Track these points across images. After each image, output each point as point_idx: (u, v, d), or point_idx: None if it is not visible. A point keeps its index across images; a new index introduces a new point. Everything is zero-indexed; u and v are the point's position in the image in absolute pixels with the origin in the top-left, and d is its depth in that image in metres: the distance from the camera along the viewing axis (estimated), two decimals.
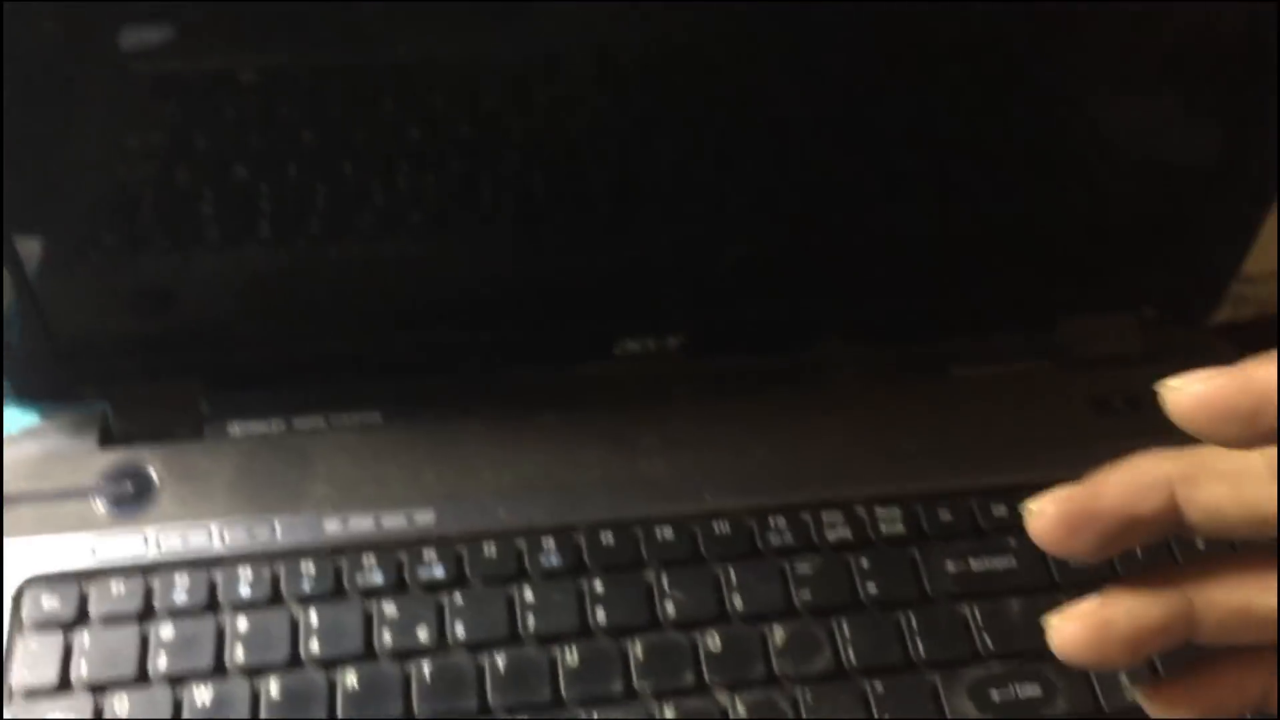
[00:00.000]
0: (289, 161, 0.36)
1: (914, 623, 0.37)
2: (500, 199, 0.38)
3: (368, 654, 0.35)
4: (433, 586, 0.37)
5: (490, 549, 0.37)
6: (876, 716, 0.35)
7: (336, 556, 0.37)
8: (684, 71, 0.37)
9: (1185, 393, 0.25)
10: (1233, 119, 0.40)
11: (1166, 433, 0.41)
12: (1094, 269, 0.43)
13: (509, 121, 0.36)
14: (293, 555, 0.37)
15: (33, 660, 0.35)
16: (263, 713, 0.34)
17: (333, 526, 0.38)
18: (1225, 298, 0.44)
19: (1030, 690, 0.36)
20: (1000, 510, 0.39)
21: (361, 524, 0.38)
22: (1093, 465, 0.41)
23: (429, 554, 0.37)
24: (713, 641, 0.36)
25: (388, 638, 0.35)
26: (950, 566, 0.38)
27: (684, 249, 0.40)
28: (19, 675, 0.34)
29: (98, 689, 0.34)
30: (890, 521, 0.39)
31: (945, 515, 0.39)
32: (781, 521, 0.38)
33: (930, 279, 0.42)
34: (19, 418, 0.40)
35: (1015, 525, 0.38)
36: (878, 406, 0.42)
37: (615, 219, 0.39)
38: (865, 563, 0.38)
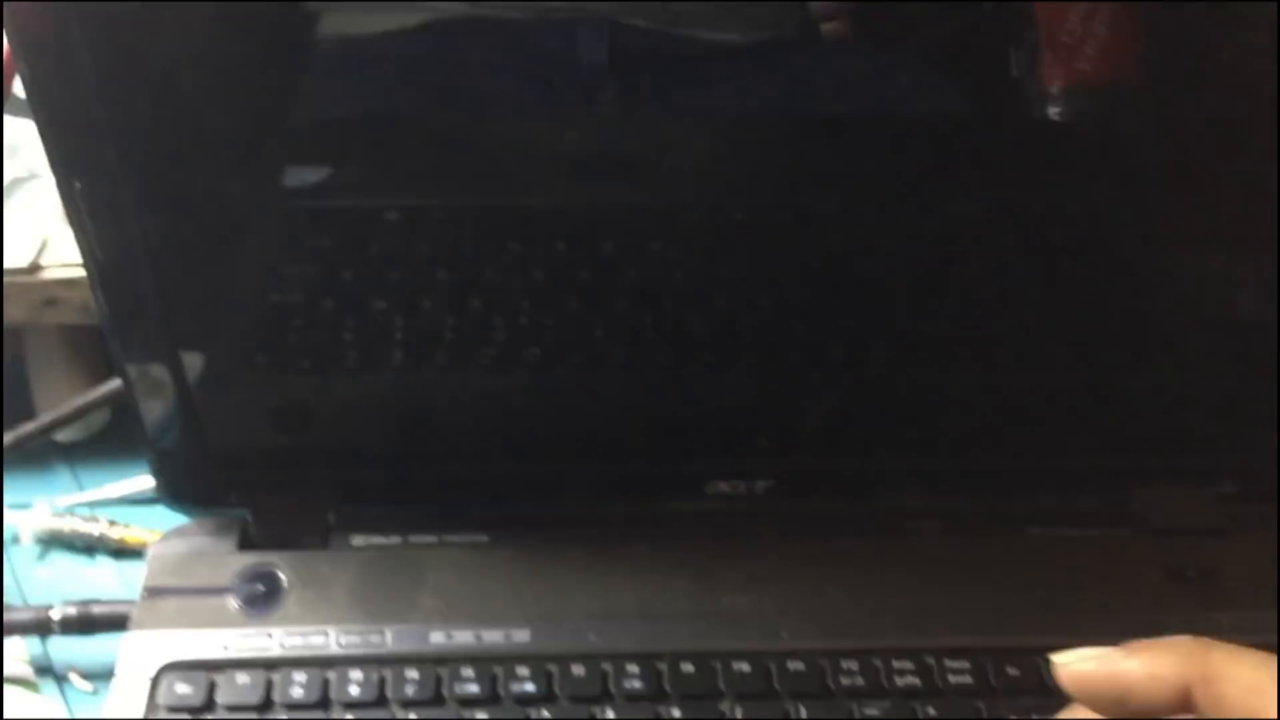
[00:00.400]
0: (423, 295, 0.41)
1: None
2: (611, 342, 0.42)
3: None
4: (523, 700, 0.39)
5: (579, 669, 0.40)
6: None
7: (439, 666, 0.40)
8: (786, 235, 0.40)
9: (1065, 669, 0.31)
10: None
11: (1236, 606, 0.42)
12: (1173, 441, 0.44)
13: (625, 269, 0.40)
14: (399, 662, 0.40)
15: None
16: None
17: (437, 637, 0.41)
18: None
19: None
20: None
21: (463, 637, 0.41)
22: (1161, 632, 0.42)
23: (522, 670, 0.40)
24: None
25: None
26: None
27: (776, 399, 0.43)
28: None
29: None
30: (959, 673, 0.40)
31: (1013, 671, 0.40)
32: (854, 664, 0.40)
33: (1012, 440, 0.44)
34: (170, 517, 0.45)
35: None
36: (954, 559, 0.43)
37: (715, 368, 0.42)
38: (932, 711, 0.39)
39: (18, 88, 0.45)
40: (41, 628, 0.44)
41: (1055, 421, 0.44)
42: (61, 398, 0.50)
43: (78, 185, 0.35)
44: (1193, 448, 0.45)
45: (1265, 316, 0.42)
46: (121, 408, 0.53)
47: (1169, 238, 0.41)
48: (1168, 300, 0.42)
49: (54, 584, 0.48)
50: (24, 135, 0.51)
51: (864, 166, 0.39)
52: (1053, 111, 0.38)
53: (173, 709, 0.39)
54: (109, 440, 0.53)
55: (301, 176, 0.39)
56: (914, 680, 0.40)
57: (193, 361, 0.41)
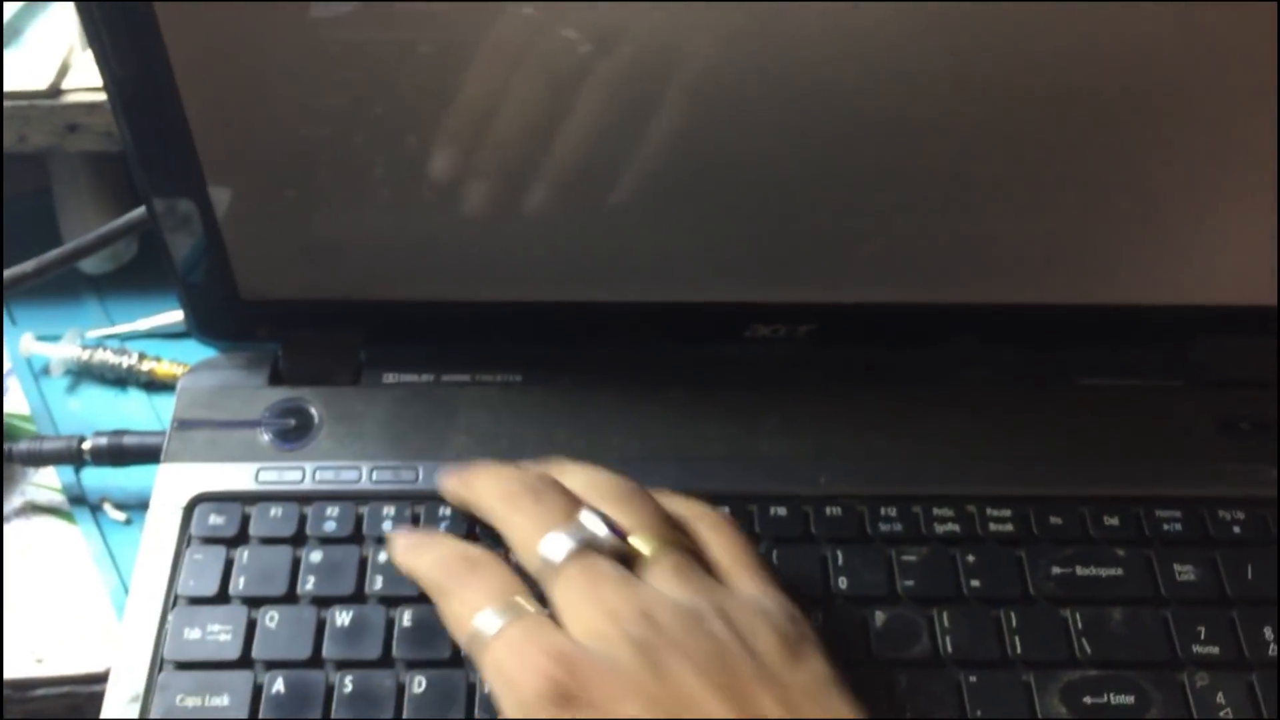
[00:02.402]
0: (460, 132, 0.39)
1: (1014, 621, 0.38)
2: (654, 174, 0.40)
3: None
4: None
5: None
6: (969, 708, 0.36)
7: None
8: (832, 64, 0.38)
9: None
10: None
11: None
12: (1230, 290, 0.43)
13: (671, 95, 0.38)
14: (432, 499, 0.40)
15: (198, 570, 0.38)
16: (395, 637, 0.37)
17: None
18: None
19: (1124, 699, 0.37)
20: (1112, 520, 0.39)
21: None
22: (1211, 484, 0.41)
23: None
24: (815, 619, 0.37)
25: None
26: (1055, 570, 0.39)
27: (821, 240, 0.42)
28: (185, 584, 0.38)
29: (252, 602, 0.38)
30: (1000, 521, 0.40)
31: (1055, 520, 0.39)
32: (893, 511, 0.40)
33: (1063, 285, 0.43)
34: (201, 350, 0.45)
35: (1125, 536, 0.39)
36: (1001, 408, 0.42)
37: (757, 204, 0.41)
38: (971, 558, 0.39)
39: None
40: (73, 457, 0.44)
41: (1109, 266, 0.42)
42: (89, 228, 0.48)
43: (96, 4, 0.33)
44: (1250, 297, 0.43)
45: None
46: (149, 238, 0.52)
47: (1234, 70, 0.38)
48: (1226, 143, 0.40)
49: (85, 415, 0.48)
50: None
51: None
52: None
53: (206, 539, 0.39)
54: (138, 272, 0.53)
55: (332, 7, 0.37)
56: (954, 528, 0.39)
57: (220, 195, 0.39)
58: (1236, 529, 0.39)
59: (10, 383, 0.49)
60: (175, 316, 0.50)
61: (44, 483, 0.46)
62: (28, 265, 0.45)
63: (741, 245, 0.42)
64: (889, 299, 0.43)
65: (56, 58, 0.47)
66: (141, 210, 0.44)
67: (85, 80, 0.46)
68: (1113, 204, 0.41)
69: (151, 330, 0.50)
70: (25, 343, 0.49)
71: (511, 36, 0.37)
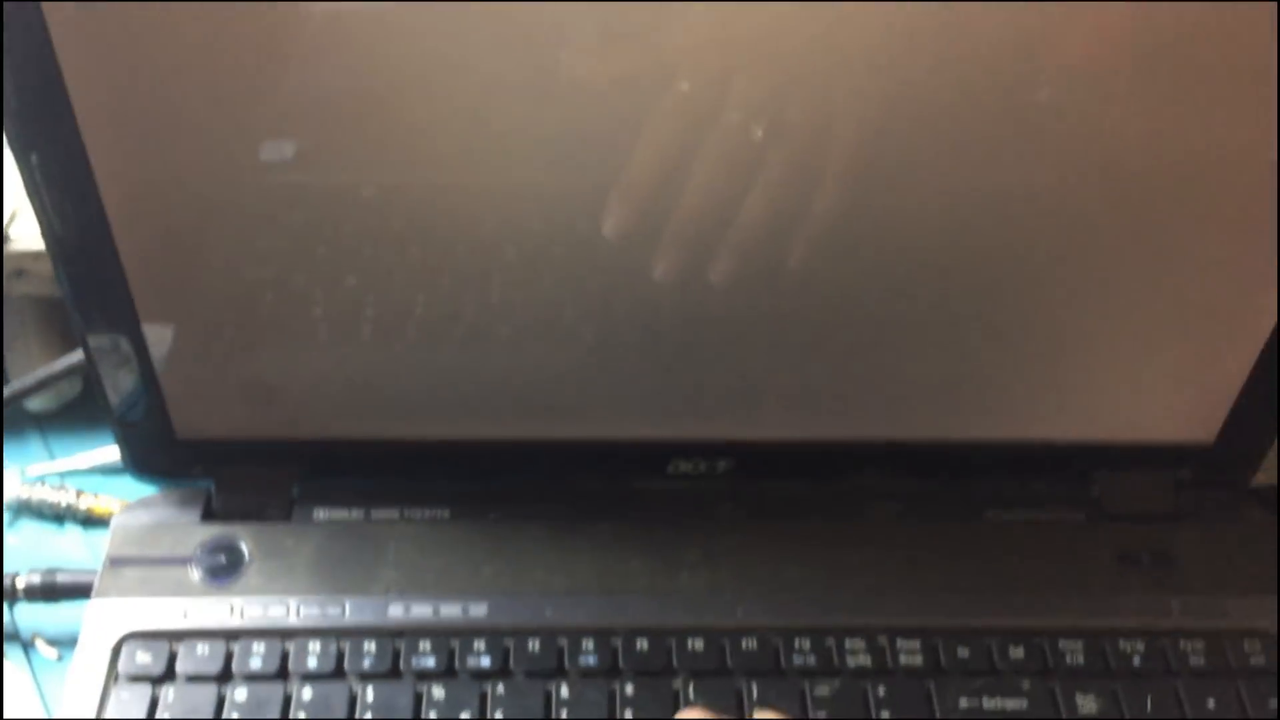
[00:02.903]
0: (394, 272, 0.41)
1: None
2: (579, 321, 0.42)
3: None
4: (479, 674, 0.40)
5: (534, 644, 0.41)
6: None
7: (396, 639, 0.41)
8: (750, 220, 0.40)
9: None
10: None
11: (1189, 591, 0.43)
12: (1130, 426, 0.45)
13: (595, 249, 0.40)
14: (358, 634, 0.41)
15: (124, 709, 0.39)
16: None
17: (396, 611, 0.41)
18: (1260, 462, 0.45)
19: None
20: (1017, 652, 0.41)
21: (421, 610, 0.41)
22: (1112, 616, 0.42)
23: (479, 644, 0.40)
24: None
25: (433, 716, 0.39)
26: (963, 701, 0.40)
27: (738, 380, 0.43)
28: None
29: None
30: (910, 653, 0.41)
31: (963, 652, 0.41)
32: (806, 643, 0.41)
33: (970, 423, 0.45)
34: (139, 486, 0.46)
35: (1030, 667, 0.40)
36: (910, 541, 0.44)
37: (679, 350, 0.43)
38: (882, 690, 0.40)
39: None
40: (6, 594, 0.44)
41: (1014, 404, 0.45)
42: (34, 368, 0.50)
43: (34, 158, 0.35)
44: (1146, 435, 0.45)
45: (1226, 305, 0.42)
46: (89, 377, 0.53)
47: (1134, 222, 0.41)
48: (1130, 286, 0.42)
49: (22, 551, 0.49)
50: None
51: (843, 131, 0.39)
52: None
53: (133, 677, 0.40)
54: (80, 409, 0.54)
55: (277, 150, 0.39)
56: (865, 660, 0.41)
57: (155, 335, 0.41)
58: (1136, 660, 0.41)
59: None
60: (115, 453, 0.51)
61: None
62: None
63: (663, 385, 0.44)
64: (803, 436, 0.45)
65: (6, 207, 0.48)
66: (78, 354, 0.46)
67: (33, 228, 0.48)
68: (1014, 346, 0.43)
69: (92, 466, 0.51)
70: None
71: (444, 183, 0.39)
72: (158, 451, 0.44)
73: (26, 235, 0.47)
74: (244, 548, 0.43)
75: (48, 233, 0.37)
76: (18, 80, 0.34)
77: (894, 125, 0.37)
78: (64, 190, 0.36)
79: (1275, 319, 0.41)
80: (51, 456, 0.52)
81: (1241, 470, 0.45)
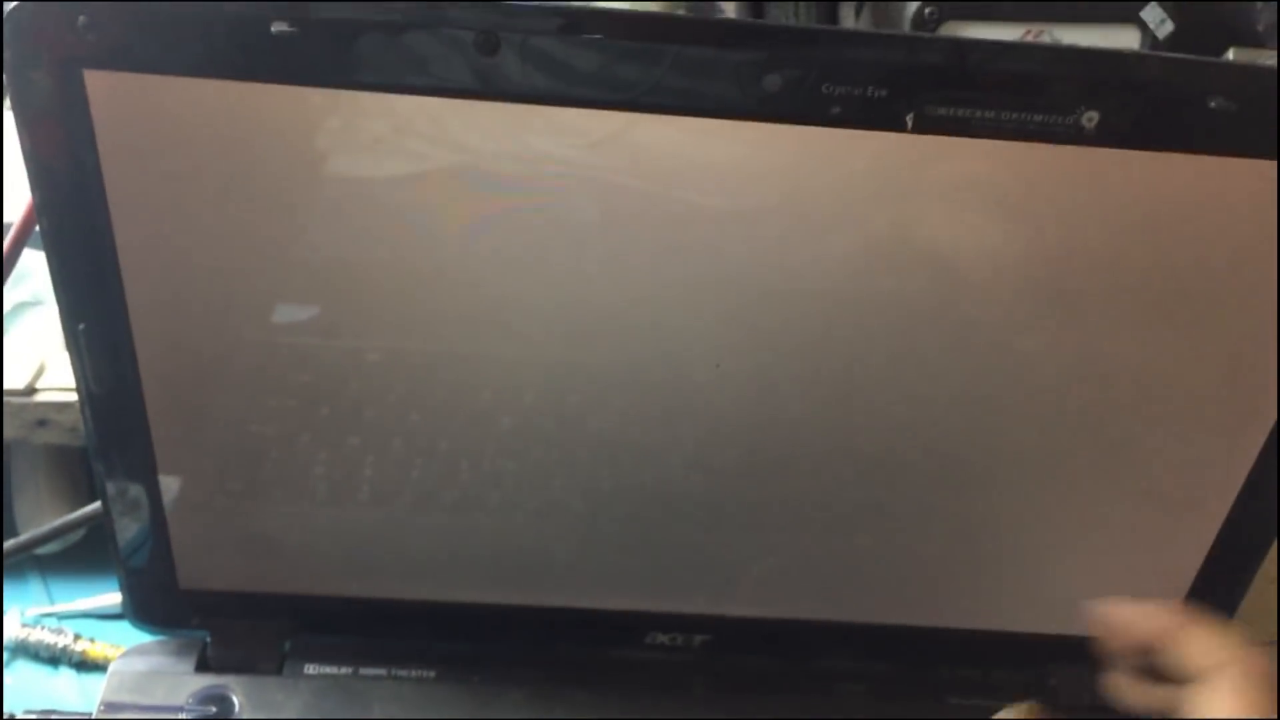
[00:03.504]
0: (393, 436, 0.43)
1: None
2: (568, 493, 0.45)
3: None
4: None
5: None
6: None
7: None
8: (726, 405, 0.43)
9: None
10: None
11: None
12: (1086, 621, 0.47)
13: (588, 423, 0.43)
14: None
15: None
16: None
17: None
18: None
19: None
20: None
21: None
22: None
23: None
24: None
25: None
26: None
27: (716, 559, 0.46)
28: None
29: None
30: None
31: None
32: None
33: (936, 612, 0.47)
34: (135, 632, 0.47)
35: None
36: None
37: (661, 527, 0.45)
38: None
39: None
40: None
41: (978, 594, 0.47)
42: (41, 512, 0.52)
43: (81, 327, 0.39)
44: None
45: (1178, 508, 0.45)
46: (97, 525, 0.55)
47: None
48: (1083, 488, 0.45)
49: (16, 693, 0.50)
50: (33, 264, 0.55)
51: (811, 340, 0.42)
52: None
53: None
54: (82, 554, 0.55)
55: (290, 314, 0.42)
56: None
57: (169, 488, 0.43)
58: None
59: None
60: (114, 598, 0.53)
61: None
62: None
63: (645, 559, 0.46)
64: (776, 614, 0.47)
65: (36, 357, 0.51)
66: (96, 505, 0.48)
67: (59, 380, 0.51)
68: (977, 541, 0.46)
69: (90, 611, 0.53)
70: None
71: (444, 352, 0.42)
72: (159, 600, 0.46)
73: (53, 387, 0.50)
74: (234, 699, 0.45)
75: (83, 390, 0.40)
76: (74, 261, 0.38)
77: (866, 333, 0.41)
78: (104, 353, 0.39)
79: (1215, 533, 0.44)
80: (51, 599, 0.54)
81: None
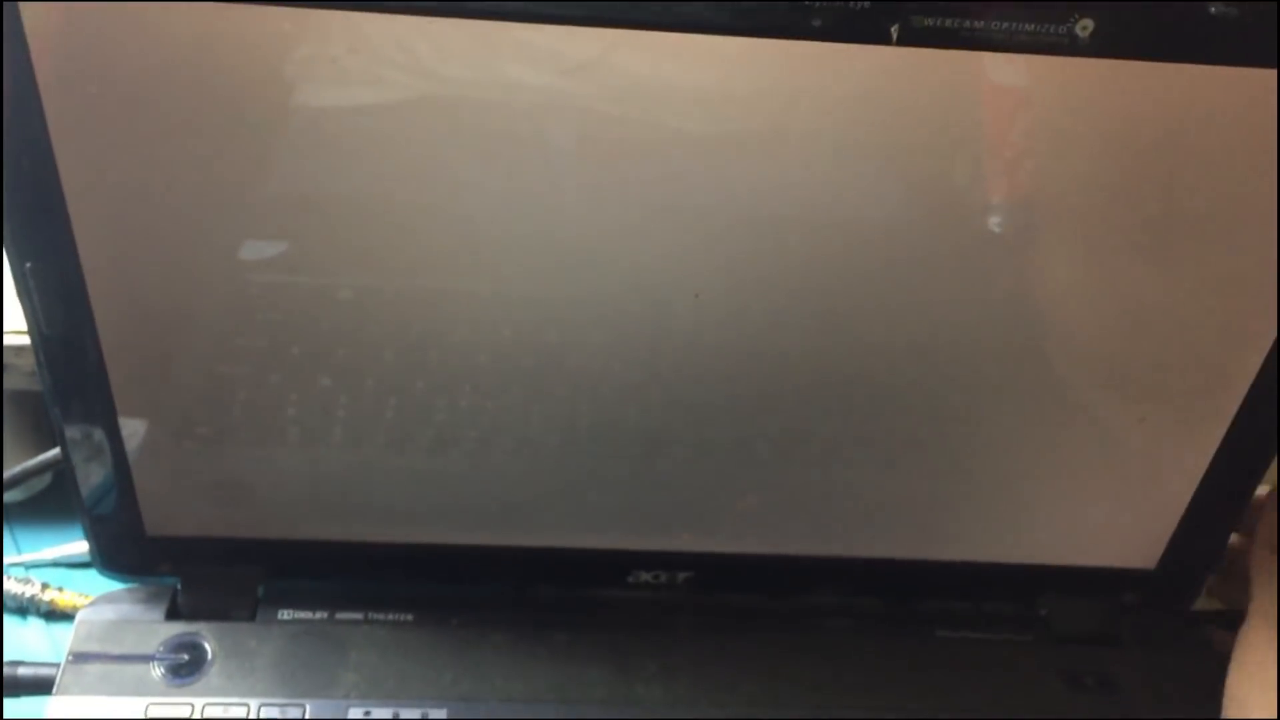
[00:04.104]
0: (367, 375, 0.42)
1: None
2: (545, 431, 0.43)
3: None
4: None
5: None
6: None
7: None
8: (715, 334, 0.42)
9: None
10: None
11: (1131, 714, 0.44)
12: (1078, 551, 0.46)
13: (565, 360, 0.42)
14: None
15: None
16: None
17: (356, 714, 0.42)
18: (1201, 589, 0.47)
19: None
20: None
21: (381, 714, 0.42)
22: None
23: None
24: None
25: None
26: None
27: (699, 492, 0.45)
28: None
29: None
30: None
31: None
32: None
33: (924, 543, 0.46)
34: (104, 581, 0.46)
35: None
36: (862, 657, 0.45)
37: (643, 460, 0.44)
38: None
39: None
40: None
41: (966, 526, 0.46)
42: (7, 462, 0.51)
43: (29, 266, 0.37)
44: (1094, 559, 0.46)
45: (1167, 441, 0.44)
46: (62, 472, 0.54)
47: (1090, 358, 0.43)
48: (1076, 418, 0.44)
49: None
50: None
51: (794, 268, 0.41)
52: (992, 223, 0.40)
53: None
54: (48, 503, 0.54)
55: (257, 250, 0.41)
56: None
57: (132, 432, 0.42)
58: None
59: None
60: (82, 547, 0.51)
61: None
62: None
63: (626, 496, 0.45)
64: (761, 550, 0.46)
65: None
66: (56, 451, 0.46)
67: (17, 324, 0.49)
68: (965, 472, 0.45)
69: (57, 560, 0.52)
70: None
71: (419, 288, 0.41)
72: (126, 547, 0.44)
73: (12, 330, 0.48)
74: (207, 647, 0.44)
75: (35, 332, 0.38)
76: (17, 194, 0.36)
77: (850, 260, 0.39)
78: (55, 293, 0.38)
79: (1209, 457, 0.43)
80: (19, 549, 0.52)
81: (1184, 596, 0.47)
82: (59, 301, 0.38)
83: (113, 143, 0.36)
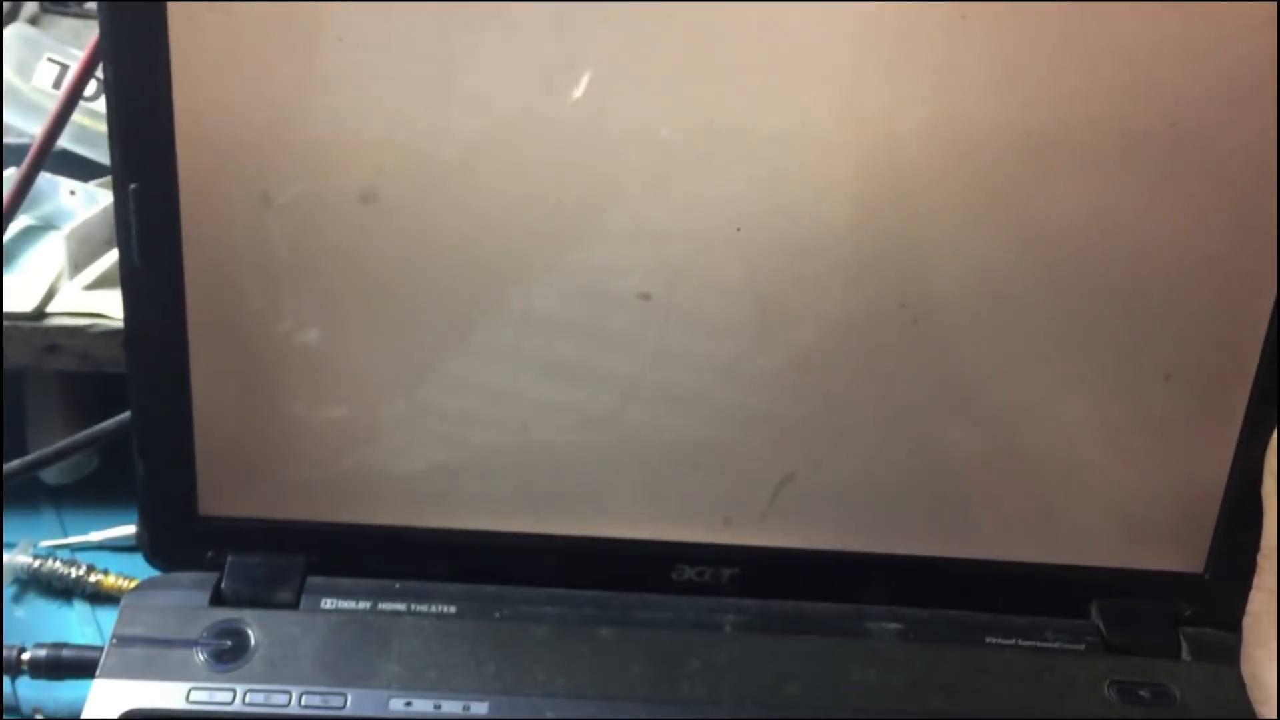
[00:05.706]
0: (421, 355, 0.42)
1: None
2: (592, 427, 0.43)
3: None
4: None
5: None
6: None
7: None
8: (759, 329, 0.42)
9: None
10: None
11: None
12: (1133, 560, 0.45)
13: (614, 356, 0.42)
14: None
15: None
16: None
17: (397, 704, 0.42)
18: None
19: None
20: None
21: (422, 705, 0.42)
22: None
23: None
24: None
25: None
26: None
27: (746, 490, 0.45)
28: None
29: None
30: None
31: None
32: None
33: (974, 549, 0.45)
34: (146, 566, 0.46)
35: None
36: (910, 663, 0.44)
37: (690, 454, 0.44)
38: None
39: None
40: (10, 668, 0.45)
41: (1018, 533, 0.45)
42: (55, 439, 0.51)
43: (133, 187, 0.38)
44: (1152, 568, 0.45)
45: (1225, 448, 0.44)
46: (109, 453, 0.54)
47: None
48: (1137, 423, 0.43)
49: (28, 625, 0.49)
50: (48, 188, 0.53)
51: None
52: None
53: None
54: (96, 485, 0.55)
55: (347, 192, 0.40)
56: None
57: (201, 378, 0.42)
58: None
59: None
60: (128, 530, 0.52)
61: None
62: None
63: (673, 487, 0.45)
64: (807, 545, 0.45)
65: (44, 282, 0.50)
66: (103, 425, 0.47)
67: (69, 305, 0.49)
68: (1012, 468, 0.44)
69: (103, 542, 0.52)
70: None
71: (469, 262, 0.41)
72: (179, 535, 0.44)
73: (63, 312, 0.49)
74: (250, 633, 0.43)
75: (125, 263, 0.40)
76: (131, 112, 0.38)
77: (914, 249, 0.39)
78: (151, 220, 0.39)
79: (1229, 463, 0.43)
80: (65, 531, 0.53)
81: (1236, 605, 0.45)
82: (153, 229, 0.39)
83: (226, 71, 0.38)
